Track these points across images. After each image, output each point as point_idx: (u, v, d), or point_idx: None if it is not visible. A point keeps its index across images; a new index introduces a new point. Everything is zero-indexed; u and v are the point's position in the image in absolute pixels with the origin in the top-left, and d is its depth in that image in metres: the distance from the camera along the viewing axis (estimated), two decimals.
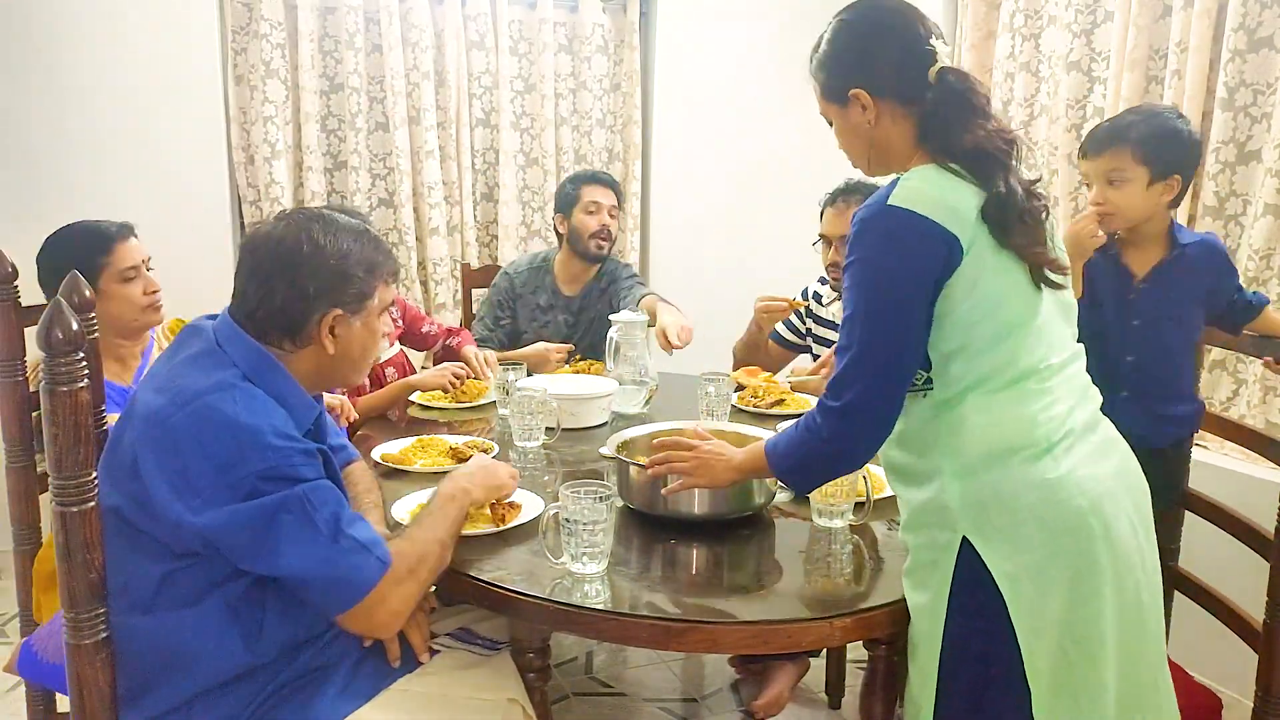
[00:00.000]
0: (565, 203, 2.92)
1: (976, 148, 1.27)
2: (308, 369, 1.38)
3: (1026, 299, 1.27)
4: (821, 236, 2.46)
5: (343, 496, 1.31)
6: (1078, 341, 1.38)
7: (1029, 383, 1.26)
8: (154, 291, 2.02)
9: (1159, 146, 1.80)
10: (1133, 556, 1.29)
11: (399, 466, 1.88)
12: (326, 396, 1.94)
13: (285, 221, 1.36)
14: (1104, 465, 1.29)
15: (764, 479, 1.57)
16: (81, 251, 1.83)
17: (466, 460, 1.83)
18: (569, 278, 2.97)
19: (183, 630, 1.27)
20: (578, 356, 2.75)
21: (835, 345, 1.36)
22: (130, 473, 1.24)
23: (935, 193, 1.25)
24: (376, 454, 1.92)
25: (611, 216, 2.91)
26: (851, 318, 1.27)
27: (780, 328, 2.72)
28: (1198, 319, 1.91)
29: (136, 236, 1.99)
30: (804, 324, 2.69)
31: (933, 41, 1.32)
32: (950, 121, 1.29)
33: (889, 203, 1.24)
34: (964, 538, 1.27)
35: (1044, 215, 1.31)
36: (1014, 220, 1.25)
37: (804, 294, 2.69)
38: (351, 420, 2.16)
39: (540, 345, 2.79)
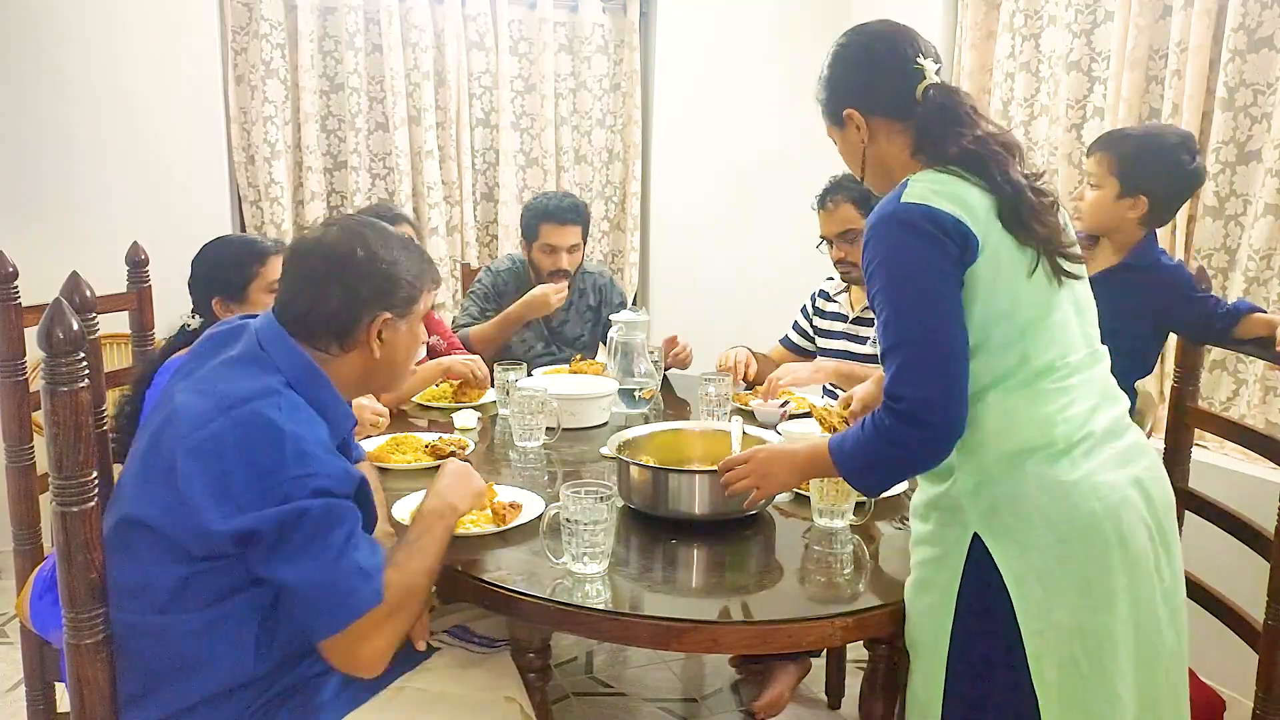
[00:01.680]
0: (526, 234, 2.89)
1: (969, 153, 1.30)
2: (352, 372, 1.39)
3: (1043, 296, 1.28)
4: (822, 237, 2.47)
5: (360, 520, 1.30)
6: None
7: (1046, 382, 1.26)
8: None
9: (1136, 164, 1.89)
10: (1150, 568, 1.28)
11: (377, 464, 1.87)
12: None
13: (336, 228, 1.38)
14: (1124, 472, 1.28)
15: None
16: (240, 258, 1.94)
17: (445, 457, 1.84)
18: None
19: (197, 634, 1.26)
20: (578, 356, 2.75)
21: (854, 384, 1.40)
22: (166, 477, 1.23)
23: (945, 189, 1.26)
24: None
25: (572, 253, 2.85)
26: (889, 319, 1.26)
27: (790, 333, 2.72)
28: (1140, 336, 1.93)
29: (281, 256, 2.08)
30: (811, 324, 2.69)
31: (920, 60, 1.37)
32: (942, 133, 1.33)
33: (902, 200, 1.26)
34: (975, 534, 1.26)
35: (1055, 207, 1.32)
36: (1028, 214, 1.27)
37: (812, 298, 2.68)
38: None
39: (537, 289, 2.75)
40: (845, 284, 2.57)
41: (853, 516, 1.59)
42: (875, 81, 1.39)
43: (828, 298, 2.64)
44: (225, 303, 1.92)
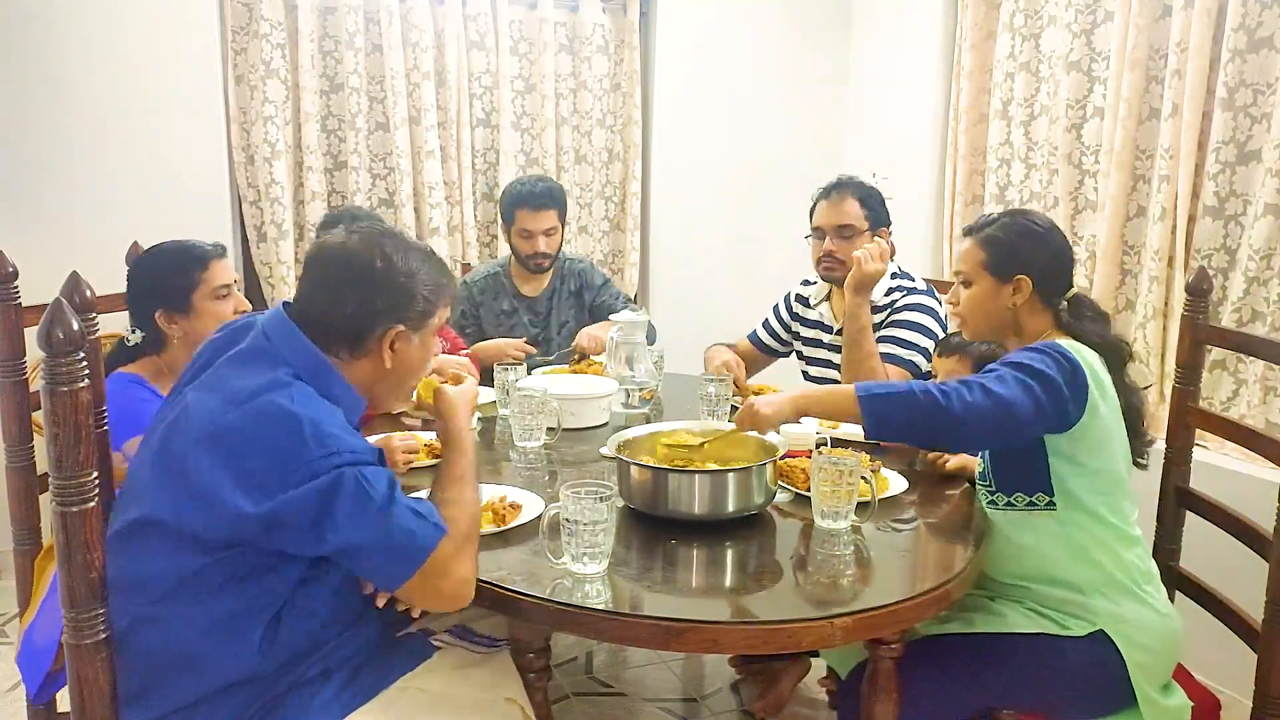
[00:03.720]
0: (504, 218, 2.90)
1: (1107, 344, 1.64)
2: (360, 379, 1.39)
3: (1127, 466, 1.64)
4: (815, 229, 2.45)
5: (394, 477, 1.31)
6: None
7: (1130, 529, 1.62)
8: (244, 311, 2.02)
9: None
10: None
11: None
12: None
13: (358, 235, 1.39)
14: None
15: (821, 418, 1.71)
16: (178, 267, 1.87)
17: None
18: (525, 280, 2.98)
19: (205, 627, 1.26)
20: (577, 356, 2.75)
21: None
22: (179, 472, 1.24)
23: (1091, 363, 1.57)
24: None
25: (549, 236, 2.85)
26: (1009, 363, 1.56)
27: (760, 330, 2.69)
28: None
29: (228, 258, 2.01)
30: (786, 328, 2.66)
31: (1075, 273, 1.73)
32: (1089, 327, 1.66)
33: (1057, 341, 1.58)
34: (1101, 630, 1.57)
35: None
36: (1136, 419, 1.64)
37: (787, 299, 2.66)
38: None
39: (498, 341, 2.75)
40: (826, 292, 2.53)
41: (855, 517, 1.59)
42: (1056, 267, 1.69)
43: (806, 304, 2.60)
44: (169, 314, 1.85)
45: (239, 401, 1.24)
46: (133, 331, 1.89)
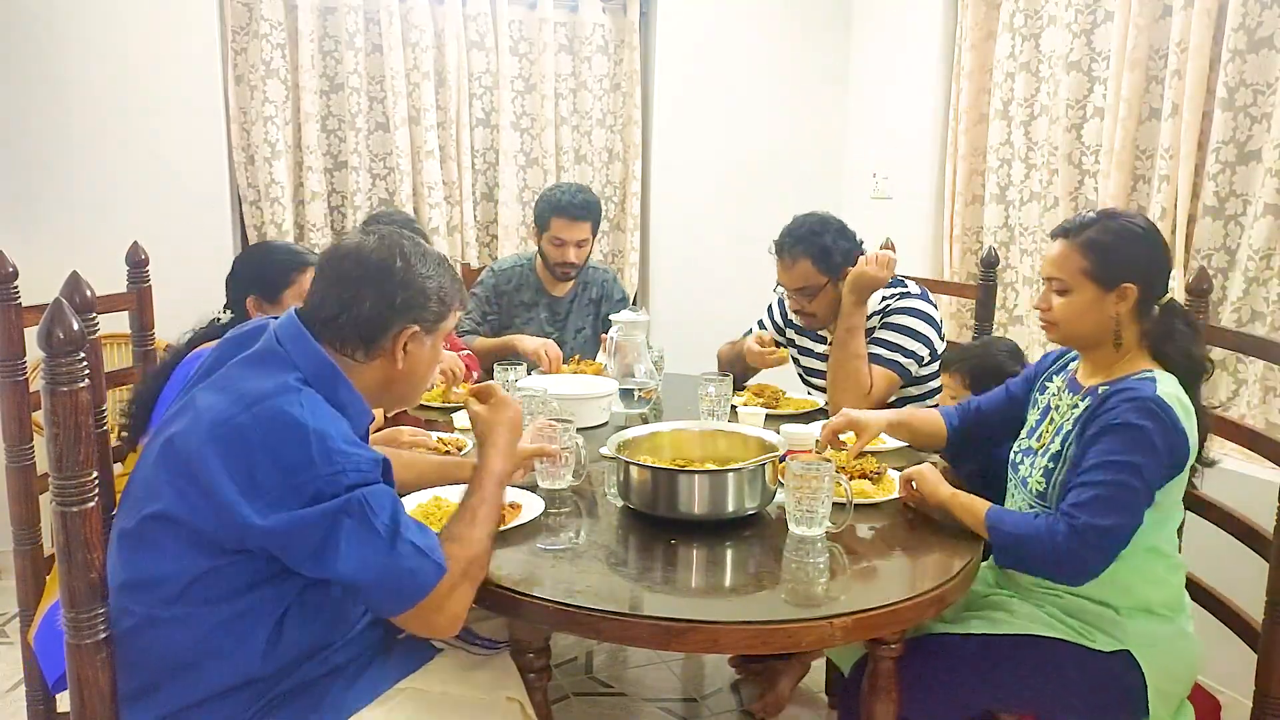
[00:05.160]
0: (538, 222, 2.92)
1: (1191, 363, 1.58)
2: (372, 381, 1.39)
3: (1182, 497, 1.61)
4: (778, 283, 2.42)
5: (399, 500, 1.31)
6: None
7: (1177, 555, 1.63)
8: None
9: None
10: None
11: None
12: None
13: (376, 236, 1.40)
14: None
15: (945, 518, 1.64)
16: (283, 264, 2.01)
17: (444, 455, 1.85)
18: (550, 281, 2.99)
19: (212, 628, 1.26)
20: (576, 357, 2.75)
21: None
22: (189, 471, 1.23)
23: (1189, 409, 1.52)
24: None
25: (580, 247, 2.87)
26: (1114, 463, 1.47)
27: (756, 330, 2.69)
28: None
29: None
30: (780, 332, 2.66)
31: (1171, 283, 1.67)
32: (1180, 336, 1.59)
33: (1159, 393, 1.50)
34: (1128, 650, 1.55)
35: None
36: (1202, 441, 1.57)
37: (780, 301, 2.64)
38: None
39: (538, 346, 2.71)
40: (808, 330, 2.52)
41: (829, 523, 1.57)
42: (1162, 275, 1.60)
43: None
44: (259, 302, 1.97)
45: (248, 404, 1.24)
46: (224, 311, 2.02)
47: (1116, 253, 1.56)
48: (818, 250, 2.31)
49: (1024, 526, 1.52)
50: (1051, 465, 1.61)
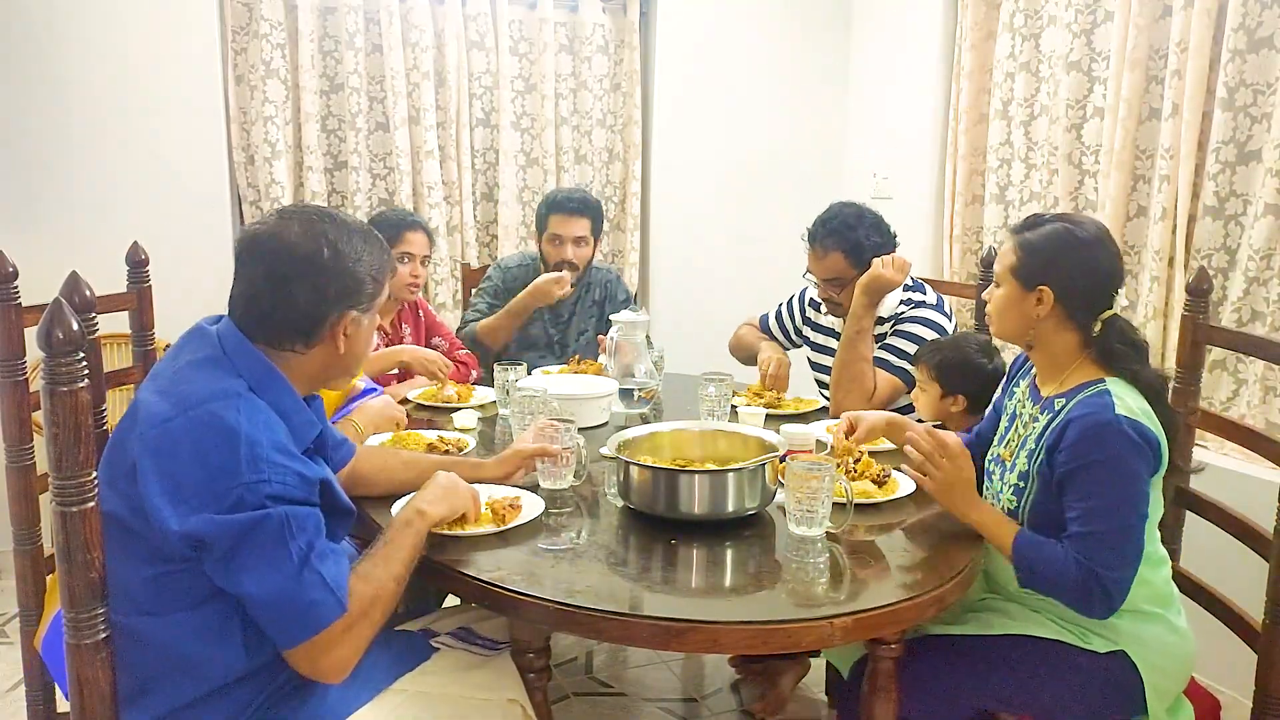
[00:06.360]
0: (538, 225, 2.94)
1: (1150, 385, 1.55)
2: (314, 368, 1.38)
3: (1163, 490, 1.59)
4: (809, 270, 2.44)
5: (323, 527, 1.29)
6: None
7: (1159, 549, 1.61)
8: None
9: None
10: None
11: None
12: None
13: (295, 223, 1.34)
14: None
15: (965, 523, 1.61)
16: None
17: (443, 454, 1.85)
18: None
19: (184, 633, 1.26)
20: (576, 357, 2.75)
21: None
22: (129, 475, 1.24)
23: (1145, 407, 1.51)
24: None
25: (579, 246, 2.87)
26: (1096, 509, 1.47)
27: (771, 319, 2.72)
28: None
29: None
30: (797, 328, 2.68)
31: (1118, 293, 1.61)
32: (1119, 351, 1.56)
33: (1118, 412, 1.47)
34: (1123, 650, 1.55)
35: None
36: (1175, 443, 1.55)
37: (800, 296, 2.68)
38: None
39: (539, 279, 2.76)
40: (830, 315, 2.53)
41: (829, 523, 1.58)
42: (1087, 286, 1.57)
43: (819, 309, 2.59)
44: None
45: (186, 407, 1.23)
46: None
47: (1041, 255, 1.57)
48: (850, 244, 2.33)
49: (1051, 569, 1.50)
50: (1021, 484, 1.60)
